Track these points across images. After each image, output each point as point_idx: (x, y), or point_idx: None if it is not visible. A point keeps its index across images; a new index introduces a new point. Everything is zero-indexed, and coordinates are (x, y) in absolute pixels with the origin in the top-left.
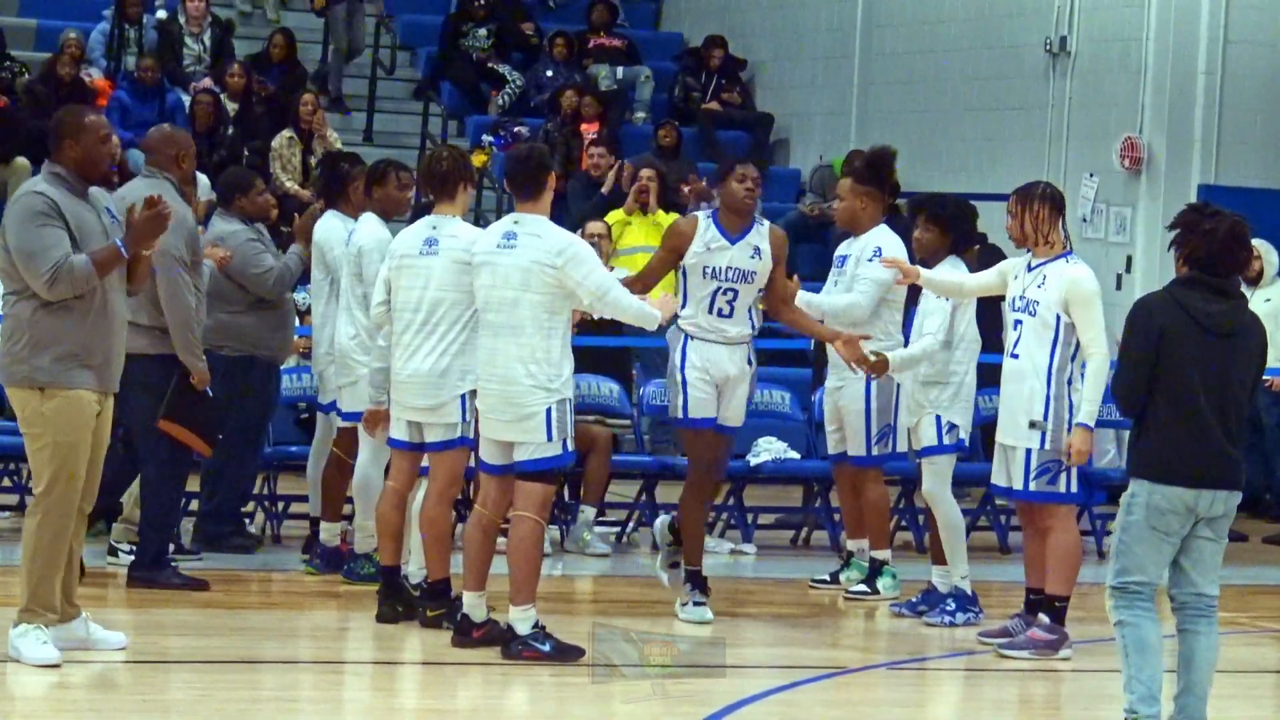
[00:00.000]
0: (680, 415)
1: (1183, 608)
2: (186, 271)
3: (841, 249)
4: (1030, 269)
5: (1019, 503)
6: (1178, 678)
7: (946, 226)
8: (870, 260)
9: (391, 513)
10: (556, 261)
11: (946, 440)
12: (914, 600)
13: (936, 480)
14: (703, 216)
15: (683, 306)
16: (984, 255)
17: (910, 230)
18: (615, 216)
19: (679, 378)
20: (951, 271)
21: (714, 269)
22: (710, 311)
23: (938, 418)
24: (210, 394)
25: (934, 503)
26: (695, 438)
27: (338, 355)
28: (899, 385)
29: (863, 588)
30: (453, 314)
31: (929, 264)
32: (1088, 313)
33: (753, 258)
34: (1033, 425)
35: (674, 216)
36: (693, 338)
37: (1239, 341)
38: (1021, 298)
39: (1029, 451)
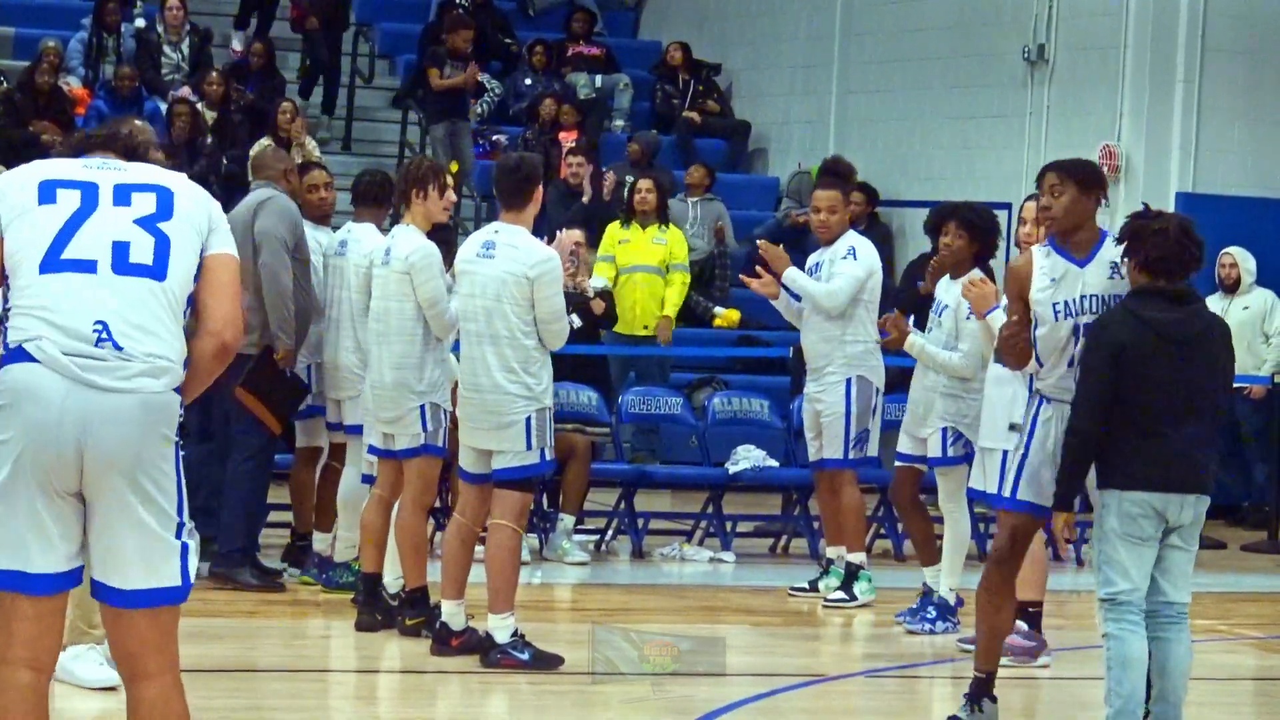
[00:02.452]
0: (1009, 495)
1: (1153, 615)
2: (288, 254)
3: (814, 257)
4: None
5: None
6: (1151, 685)
7: (976, 235)
8: (844, 258)
9: (377, 520)
10: (530, 274)
11: (952, 452)
12: (914, 608)
13: (948, 491)
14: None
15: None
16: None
17: (888, 236)
18: (613, 232)
19: (1022, 450)
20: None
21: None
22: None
23: (944, 430)
24: (290, 375)
25: (946, 514)
26: (1018, 524)
27: (340, 368)
28: (878, 390)
29: (840, 595)
30: (402, 324)
31: (955, 273)
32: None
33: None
34: (1013, 428)
35: (675, 230)
36: (1050, 400)
37: (1201, 347)
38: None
39: (1005, 454)
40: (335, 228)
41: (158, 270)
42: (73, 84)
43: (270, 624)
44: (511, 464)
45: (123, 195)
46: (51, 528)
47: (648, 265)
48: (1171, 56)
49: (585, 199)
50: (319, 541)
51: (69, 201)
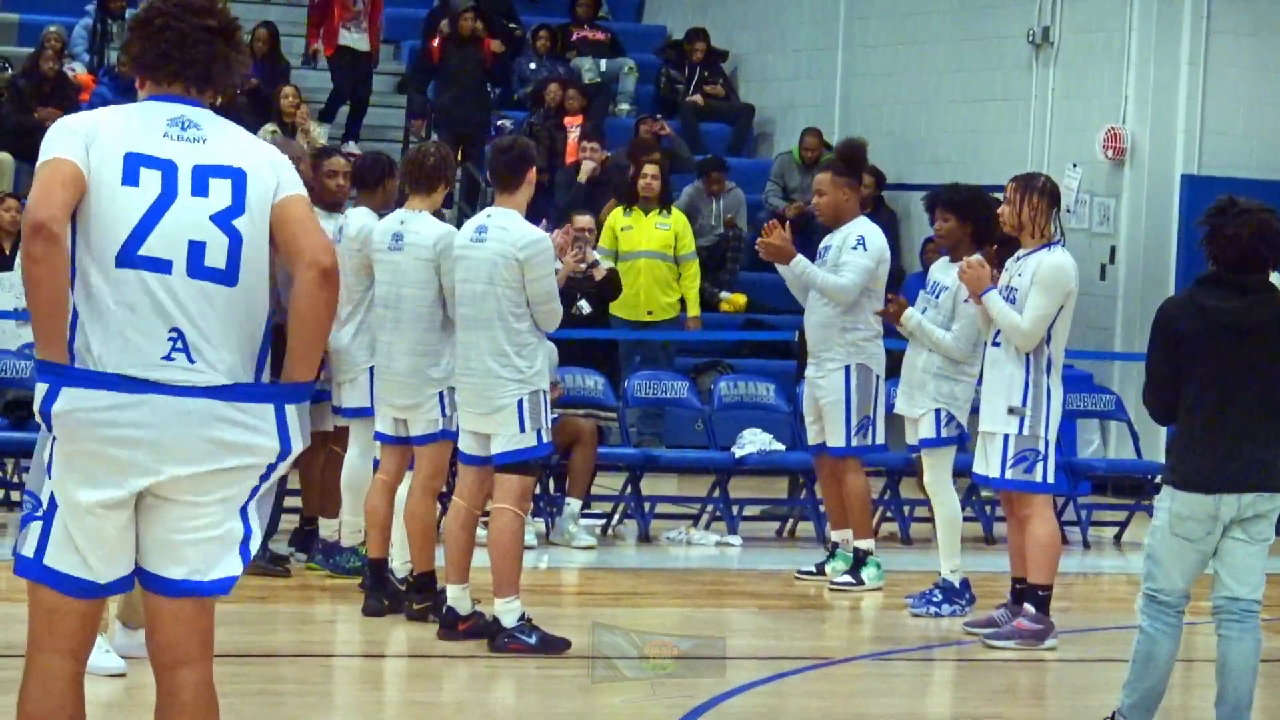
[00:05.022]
0: None
1: (1217, 612)
2: None
3: (825, 241)
4: (1017, 259)
5: (1000, 492)
6: (1216, 684)
7: (962, 215)
8: (854, 249)
9: (381, 505)
10: (519, 255)
11: (945, 433)
12: (926, 592)
13: (936, 472)
14: None
15: None
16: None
17: (894, 220)
18: (616, 217)
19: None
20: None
21: None
22: None
23: (938, 411)
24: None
25: (933, 495)
26: None
27: (338, 352)
28: (879, 376)
29: (847, 579)
30: (420, 310)
31: (954, 255)
32: (1039, 294)
33: None
34: (1011, 411)
35: (680, 215)
36: None
37: (1263, 338)
38: (1007, 287)
39: (1006, 438)
40: None
41: (230, 275)
42: (77, 70)
43: (277, 609)
44: (508, 447)
45: (201, 183)
46: (114, 536)
47: (651, 251)
48: (1177, 39)
49: (584, 179)
50: (324, 527)
51: (150, 185)
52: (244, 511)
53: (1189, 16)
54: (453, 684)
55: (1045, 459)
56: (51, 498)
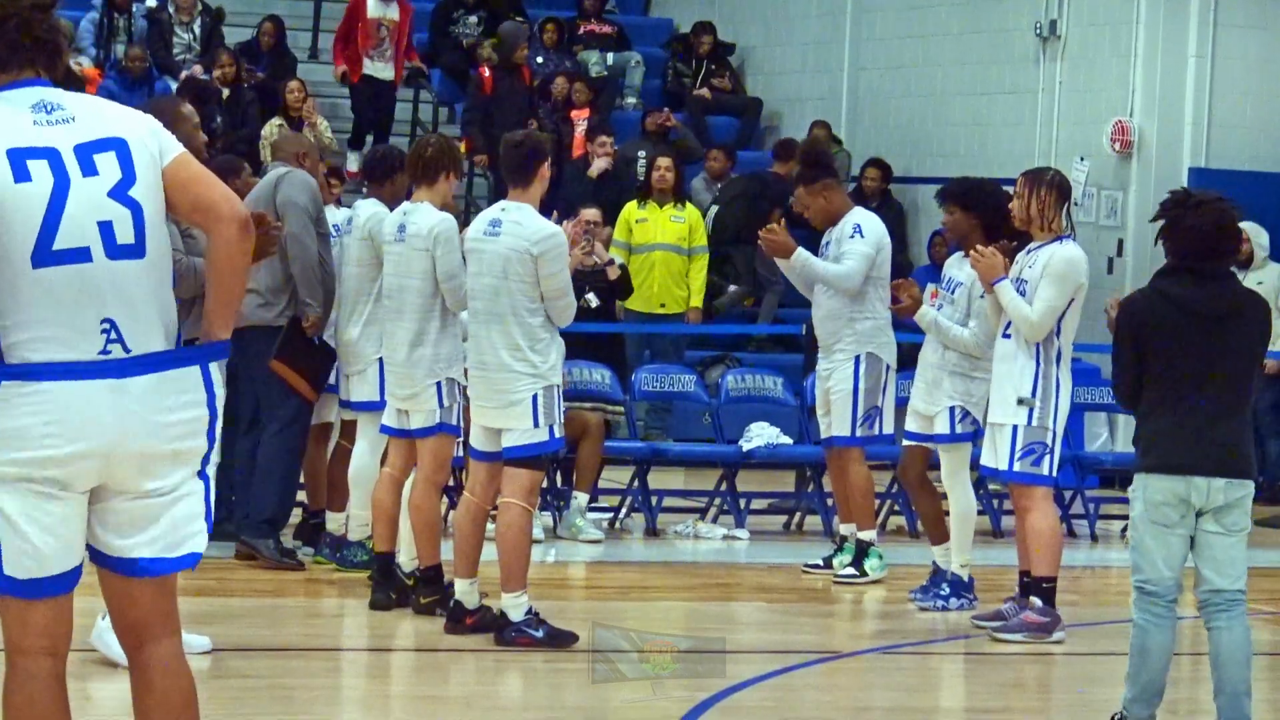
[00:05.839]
0: None
1: (1204, 606)
2: (312, 223)
3: (825, 236)
4: (1028, 252)
5: (1008, 484)
6: (1212, 676)
7: (968, 206)
8: (851, 238)
9: (387, 499)
10: (534, 250)
11: (959, 429)
12: (926, 585)
13: (953, 468)
14: None
15: None
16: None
17: (902, 214)
18: (629, 212)
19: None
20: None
21: None
22: None
23: (952, 408)
24: (319, 341)
25: (949, 489)
26: None
27: (346, 344)
28: (888, 367)
29: (850, 571)
30: (419, 300)
31: (965, 249)
32: (1050, 286)
33: None
34: (1021, 402)
35: (693, 209)
36: None
37: (1230, 324)
38: (1018, 279)
39: (1015, 429)
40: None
41: (139, 248)
42: (84, 64)
43: (285, 603)
44: (520, 442)
45: (87, 161)
46: (66, 529)
47: (666, 244)
48: (1184, 32)
49: (595, 174)
50: (332, 521)
51: (42, 178)
52: (203, 477)
53: (1196, 9)
54: (460, 677)
55: (1051, 452)
56: None
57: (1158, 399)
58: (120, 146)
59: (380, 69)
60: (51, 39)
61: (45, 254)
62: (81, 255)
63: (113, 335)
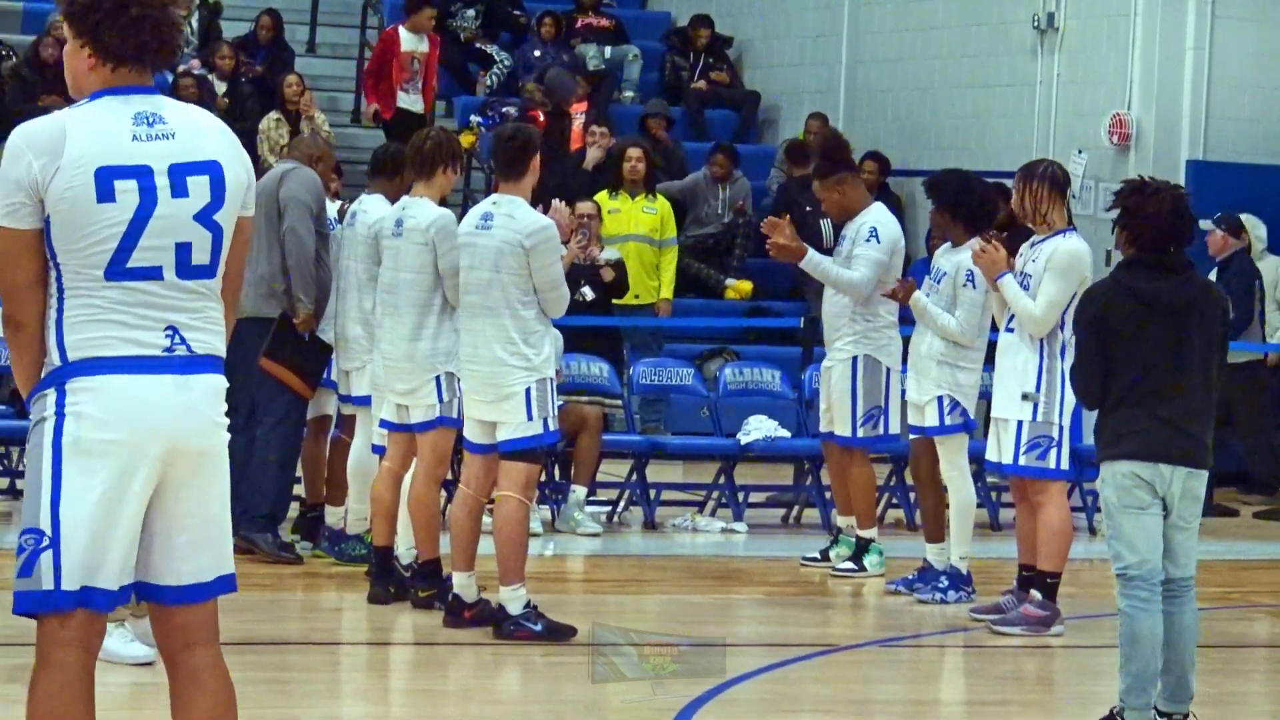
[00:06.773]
0: None
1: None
2: (312, 220)
3: (844, 230)
4: (1031, 245)
5: (1011, 478)
6: (1161, 656)
7: (939, 200)
8: (867, 241)
9: (386, 493)
10: (526, 243)
11: (949, 421)
12: (909, 578)
13: (949, 459)
14: None
15: None
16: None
17: (900, 206)
18: (603, 200)
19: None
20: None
21: None
22: None
23: (940, 398)
24: (310, 337)
25: (947, 481)
26: None
27: (347, 339)
28: (888, 369)
29: (850, 565)
30: (416, 294)
31: (954, 241)
32: (1053, 280)
33: None
34: (1025, 397)
35: (664, 201)
36: None
37: (1191, 317)
38: (1021, 273)
39: (1020, 424)
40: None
41: (212, 268)
42: None
43: (284, 596)
44: (514, 435)
45: (180, 183)
46: (130, 540)
47: (639, 235)
48: (1182, 24)
49: (589, 165)
50: (330, 515)
51: (128, 201)
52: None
53: (1194, 1)
54: (458, 671)
55: (1059, 445)
56: (56, 523)
57: (1121, 390)
58: (214, 170)
59: (412, 101)
60: (174, 40)
61: (119, 270)
62: (153, 274)
63: (176, 338)
